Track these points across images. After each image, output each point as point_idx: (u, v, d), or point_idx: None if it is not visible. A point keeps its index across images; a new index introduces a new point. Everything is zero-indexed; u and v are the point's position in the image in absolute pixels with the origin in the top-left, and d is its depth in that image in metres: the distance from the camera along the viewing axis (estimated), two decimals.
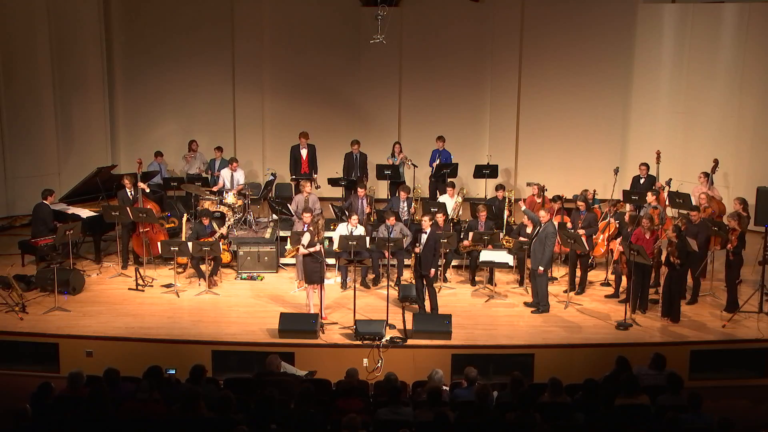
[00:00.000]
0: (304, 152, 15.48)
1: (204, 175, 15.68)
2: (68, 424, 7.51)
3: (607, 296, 12.45)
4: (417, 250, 11.50)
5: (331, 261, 13.32)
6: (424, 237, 11.48)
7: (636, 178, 14.71)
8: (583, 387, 8.53)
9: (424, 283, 11.63)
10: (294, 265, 13.15)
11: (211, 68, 17.47)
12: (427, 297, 11.70)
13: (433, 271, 11.62)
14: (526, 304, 12.06)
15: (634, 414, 7.96)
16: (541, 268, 11.65)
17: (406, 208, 13.74)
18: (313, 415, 7.66)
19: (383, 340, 10.71)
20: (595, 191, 13.69)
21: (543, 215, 11.80)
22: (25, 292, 12.12)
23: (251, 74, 17.50)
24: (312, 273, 11.32)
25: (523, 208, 12.79)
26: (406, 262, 13.03)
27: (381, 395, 8.47)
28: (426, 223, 11.59)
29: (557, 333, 11.23)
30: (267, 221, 14.87)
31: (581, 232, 12.37)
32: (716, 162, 14.11)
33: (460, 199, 13.97)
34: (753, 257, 12.62)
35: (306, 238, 11.31)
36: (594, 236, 12.68)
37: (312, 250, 11.24)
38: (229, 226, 13.44)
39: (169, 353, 10.48)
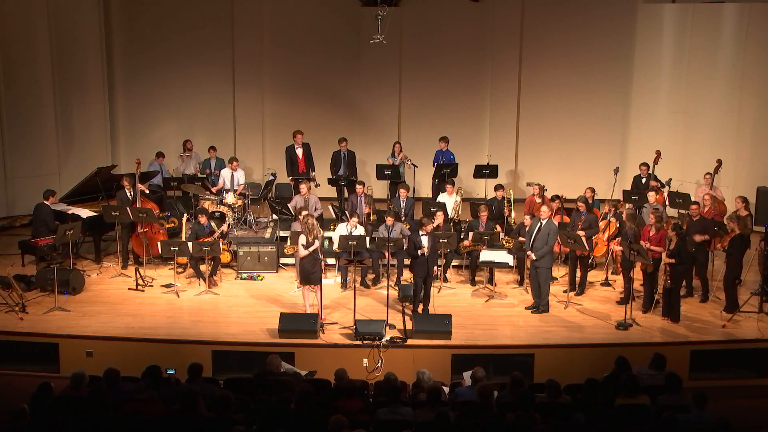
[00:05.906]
0: (299, 151, 15.39)
1: (200, 174, 15.66)
2: (68, 424, 7.50)
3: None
4: (422, 251, 11.47)
5: (331, 261, 13.33)
6: (425, 240, 11.45)
7: (637, 178, 14.70)
8: (584, 387, 8.54)
9: (423, 283, 11.64)
10: (294, 264, 13.14)
11: (211, 68, 17.46)
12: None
13: (436, 269, 11.70)
14: (526, 308, 12.03)
15: (634, 414, 7.96)
16: (532, 255, 11.61)
17: (406, 207, 13.72)
18: (313, 415, 7.65)
19: (383, 340, 10.71)
20: (594, 192, 13.65)
21: (545, 211, 11.79)
22: (25, 292, 12.12)
23: (251, 74, 17.49)
24: (309, 274, 11.31)
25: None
26: (406, 262, 13.03)
27: (381, 395, 8.47)
28: (427, 227, 11.56)
29: (557, 333, 11.23)
30: (267, 221, 14.87)
31: (581, 233, 12.36)
32: (719, 162, 14.06)
33: (459, 198, 13.97)
34: (754, 257, 12.61)
35: (302, 240, 11.31)
36: (594, 237, 12.67)
37: (312, 248, 11.24)
38: (228, 225, 13.42)
39: (169, 353, 10.46)
